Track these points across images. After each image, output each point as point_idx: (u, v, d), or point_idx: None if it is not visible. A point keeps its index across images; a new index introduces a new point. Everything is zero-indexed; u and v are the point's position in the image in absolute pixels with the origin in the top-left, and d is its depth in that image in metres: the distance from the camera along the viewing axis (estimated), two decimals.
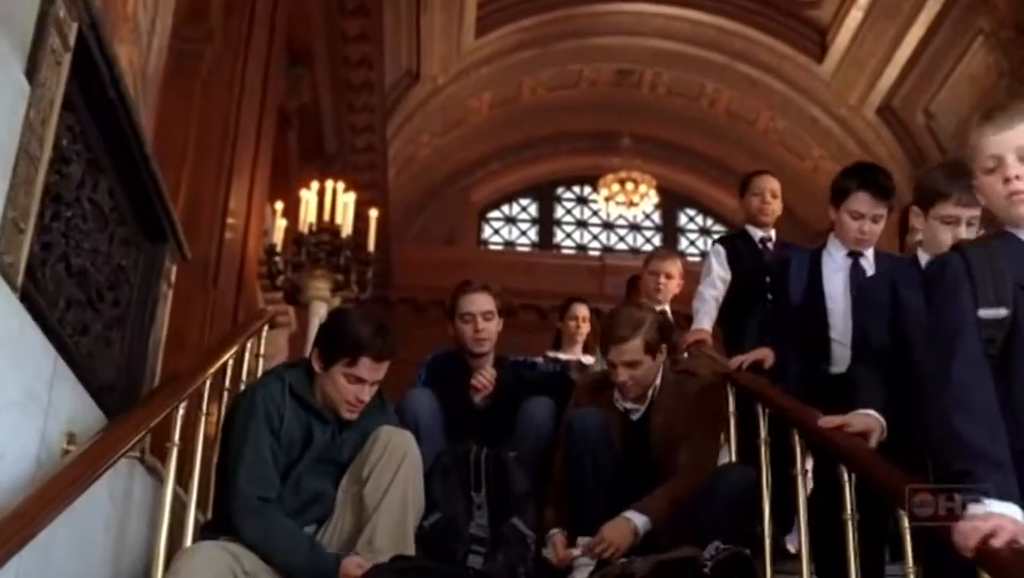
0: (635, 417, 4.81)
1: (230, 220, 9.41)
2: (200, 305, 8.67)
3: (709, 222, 21.52)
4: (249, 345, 5.00)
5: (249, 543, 3.66)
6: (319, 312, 9.99)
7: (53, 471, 2.94)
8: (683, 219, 21.71)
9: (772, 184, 6.46)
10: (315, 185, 10.69)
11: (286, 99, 11.85)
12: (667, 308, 7.02)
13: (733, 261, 6.28)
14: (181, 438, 3.74)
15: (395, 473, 3.82)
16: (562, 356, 7.37)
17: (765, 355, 4.99)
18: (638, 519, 4.36)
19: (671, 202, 21.03)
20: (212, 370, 4.27)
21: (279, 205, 10.82)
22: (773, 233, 6.39)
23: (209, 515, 4.15)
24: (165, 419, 3.70)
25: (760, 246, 6.32)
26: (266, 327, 5.28)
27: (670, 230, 21.48)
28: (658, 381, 4.83)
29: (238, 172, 9.65)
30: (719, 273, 6.25)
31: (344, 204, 10.71)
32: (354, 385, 3.93)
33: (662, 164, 20.10)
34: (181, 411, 3.76)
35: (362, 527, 3.81)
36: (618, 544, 4.29)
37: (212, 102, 9.28)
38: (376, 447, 3.89)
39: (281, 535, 3.70)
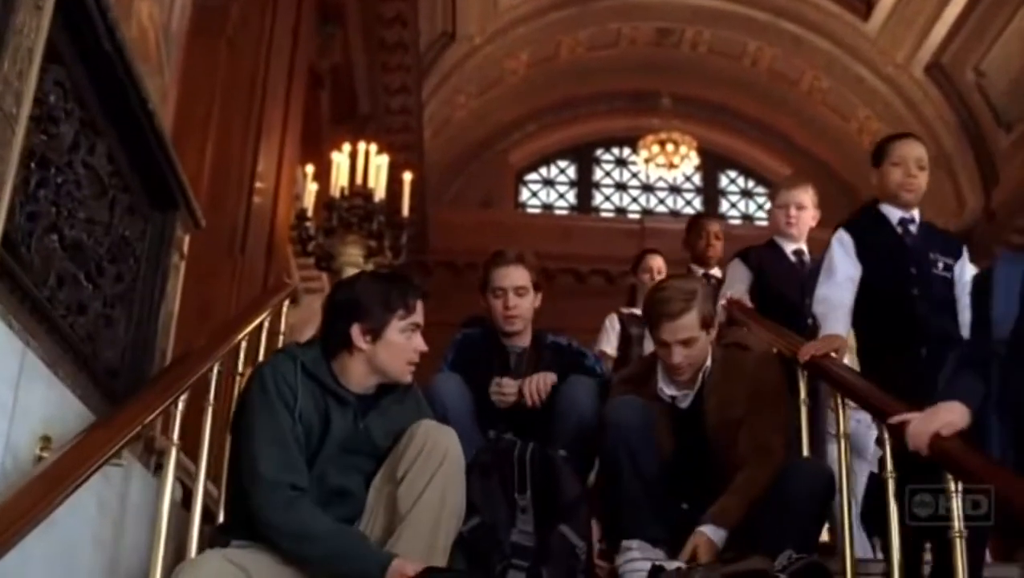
0: (684, 405, 4.29)
1: (258, 184, 9.09)
2: (227, 274, 8.42)
3: (751, 184, 21.16)
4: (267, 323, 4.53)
5: (284, 541, 3.25)
6: None
7: (22, 482, 2.55)
8: (724, 181, 21.33)
9: (918, 151, 4.94)
10: (347, 147, 10.36)
11: (317, 58, 11.51)
12: (803, 246, 5.95)
13: (864, 251, 4.79)
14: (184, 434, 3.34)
15: (432, 475, 3.37)
16: (638, 311, 6.83)
17: (954, 421, 3.34)
18: (716, 536, 3.88)
19: (712, 164, 20.66)
20: (221, 353, 3.84)
21: (309, 168, 10.49)
22: (917, 213, 4.92)
23: (220, 518, 3.77)
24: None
25: (900, 230, 4.85)
26: (287, 302, 4.85)
27: (711, 192, 21.12)
28: (708, 362, 4.29)
29: (267, 134, 9.32)
30: (847, 272, 4.76)
31: (377, 167, 10.39)
32: (413, 336, 3.58)
33: (703, 125, 19.74)
34: (181, 405, 3.36)
35: (394, 532, 3.40)
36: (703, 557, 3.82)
37: (239, 61, 8.96)
38: (413, 444, 3.44)
39: (323, 529, 3.27)
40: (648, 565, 3.73)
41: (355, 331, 3.53)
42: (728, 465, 4.12)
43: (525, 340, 4.90)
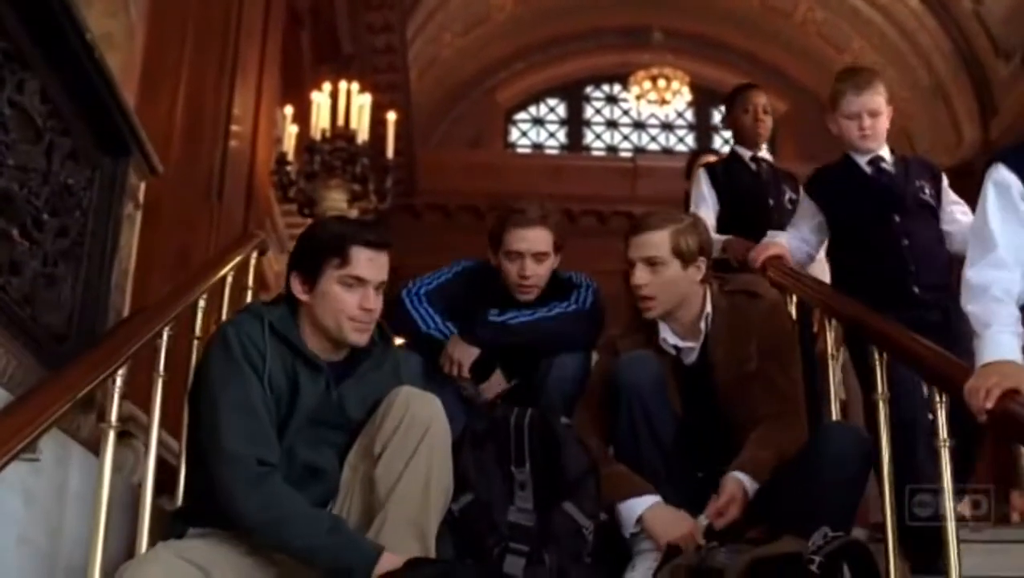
0: (689, 360, 3.89)
1: (235, 127, 8.65)
2: (204, 221, 8.02)
3: None
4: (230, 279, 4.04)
5: (252, 525, 2.87)
6: None
7: None
8: (717, 117, 20.87)
9: None
10: (327, 87, 9.95)
11: None
12: (884, 151, 4.84)
13: None
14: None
15: (414, 451, 2.97)
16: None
17: None
18: (751, 485, 3.49)
19: (704, 99, 20.18)
20: (173, 315, 3.38)
21: (288, 110, 10.08)
22: None
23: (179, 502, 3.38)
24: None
25: None
26: (254, 254, 4.39)
27: (704, 128, 20.73)
28: (708, 308, 3.89)
29: (243, 74, 8.86)
30: (1012, 239, 2.99)
31: (360, 107, 9.99)
32: (355, 291, 3.12)
33: (695, 60, 19.33)
34: (120, 381, 2.94)
35: (373, 516, 3.00)
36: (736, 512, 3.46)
37: None
38: (391, 416, 3.03)
39: (298, 512, 2.89)
40: None
41: (294, 280, 3.16)
42: (741, 426, 3.73)
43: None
